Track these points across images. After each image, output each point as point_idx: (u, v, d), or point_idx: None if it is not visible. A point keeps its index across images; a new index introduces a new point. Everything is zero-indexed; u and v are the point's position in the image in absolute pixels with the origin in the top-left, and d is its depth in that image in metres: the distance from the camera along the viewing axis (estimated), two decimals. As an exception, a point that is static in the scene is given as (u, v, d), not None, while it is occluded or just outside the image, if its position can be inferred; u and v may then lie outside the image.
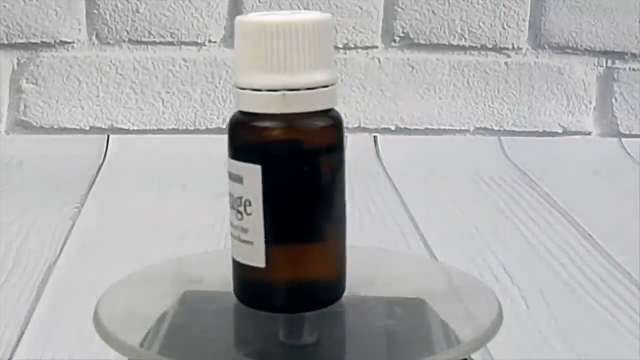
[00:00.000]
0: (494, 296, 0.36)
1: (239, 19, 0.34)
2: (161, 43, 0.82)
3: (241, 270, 0.34)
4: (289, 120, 0.33)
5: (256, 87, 0.33)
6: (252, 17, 0.33)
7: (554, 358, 0.46)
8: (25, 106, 0.82)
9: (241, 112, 0.33)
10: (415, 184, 0.74)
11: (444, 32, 0.84)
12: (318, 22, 0.33)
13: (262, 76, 0.33)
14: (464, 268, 0.44)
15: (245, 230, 0.34)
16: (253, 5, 0.82)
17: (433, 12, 0.84)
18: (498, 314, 0.35)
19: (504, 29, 0.85)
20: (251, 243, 0.34)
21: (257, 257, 0.34)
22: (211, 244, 0.59)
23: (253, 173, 0.33)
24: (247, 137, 0.33)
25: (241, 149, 0.33)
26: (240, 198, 0.33)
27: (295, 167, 0.33)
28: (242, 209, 0.33)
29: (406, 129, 0.86)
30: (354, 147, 0.79)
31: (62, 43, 0.81)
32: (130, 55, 0.82)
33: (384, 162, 0.80)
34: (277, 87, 0.33)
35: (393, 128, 0.85)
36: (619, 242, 0.62)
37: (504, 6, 0.84)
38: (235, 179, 0.33)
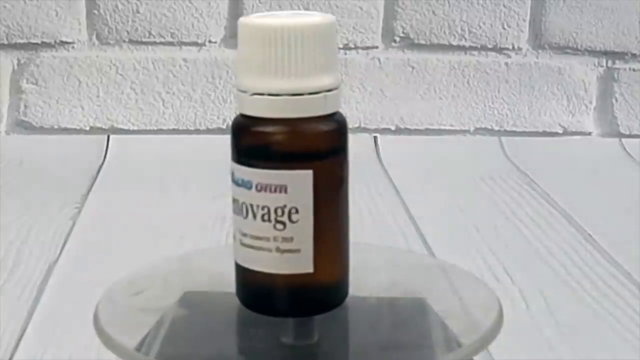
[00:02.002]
0: (495, 296, 0.36)
1: (242, 20, 0.33)
2: (161, 43, 0.82)
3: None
4: (330, 123, 0.33)
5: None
6: (255, 20, 0.33)
7: (554, 358, 0.46)
8: (25, 106, 0.82)
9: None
10: (415, 184, 0.74)
11: (444, 32, 0.84)
12: (322, 25, 0.33)
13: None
14: (464, 268, 0.44)
15: (288, 239, 0.33)
16: (253, 5, 0.82)
17: (433, 12, 0.84)
18: (498, 315, 0.35)
19: (504, 29, 0.85)
20: (297, 251, 0.33)
21: (304, 264, 0.33)
22: (211, 244, 0.59)
23: (302, 180, 0.33)
24: (296, 144, 0.32)
25: (287, 157, 0.32)
26: (283, 207, 0.32)
27: (335, 171, 0.33)
28: (284, 217, 0.32)
29: (406, 129, 0.86)
30: (354, 147, 0.79)
31: (62, 43, 0.81)
32: (130, 55, 0.82)
33: (384, 162, 0.80)
34: (318, 89, 0.32)
35: (393, 128, 0.85)
36: (619, 242, 0.62)
37: (504, 6, 0.84)
38: (274, 189, 0.32)
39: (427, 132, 0.86)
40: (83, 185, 0.71)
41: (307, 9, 0.82)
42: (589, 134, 0.88)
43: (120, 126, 0.83)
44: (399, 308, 0.38)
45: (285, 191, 0.32)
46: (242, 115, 0.33)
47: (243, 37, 0.33)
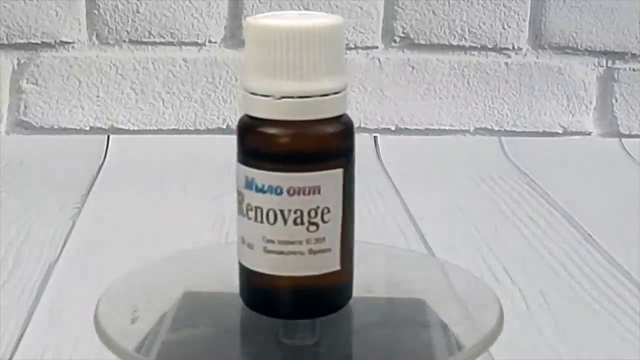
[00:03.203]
0: (495, 297, 0.36)
1: (249, 21, 0.32)
2: (161, 43, 0.82)
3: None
4: (341, 124, 0.33)
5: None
6: (262, 20, 0.32)
7: (554, 358, 0.46)
8: (25, 106, 0.82)
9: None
10: (415, 184, 0.74)
11: (444, 32, 0.84)
12: (330, 27, 0.32)
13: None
14: (464, 268, 0.44)
15: (320, 240, 0.33)
16: (253, 5, 0.82)
17: (433, 12, 0.84)
18: (499, 317, 0.35)
19: (504, 29, 0.85)
20: (328, 250, 0.33)
21: (333, 263, 0.33)
22: (211, 243, 0.59)
23: (333, 179, 0.32)
24: (329, 144, 0.32)
25: (316, 158, 0.32)
26: (316, 208, 0.32)
27: (352, 170, 0.33)
28: (317, 219, 0.32)
29: (406, 129, 0.86)
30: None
31: (62, 43, 0.81)
32: (130, 55, 0.82)
33: (384, 162, 0.80)
34: (337, 89, 0.32)
35: (393, 128, 0.85)
36: (619, 242, 0.61)
37: (504, 6, 0.84)
38: (308, 191, 0.32)
39: (427, 132, 0.86)
40: (83, 185, 0.71)
41: (307, 8, 0.82)
42: (589, 134, 0.88)
43: (120, 126, 0.83)
44: (399, 308, 0.38)
45: (319, 192, 0.32)
46: (252, 118, 0.33)
47: (250, 37, 0.32)
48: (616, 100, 0.87)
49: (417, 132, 0.86)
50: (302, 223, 0.32)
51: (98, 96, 0.82)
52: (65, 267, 0.55)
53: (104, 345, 0.33)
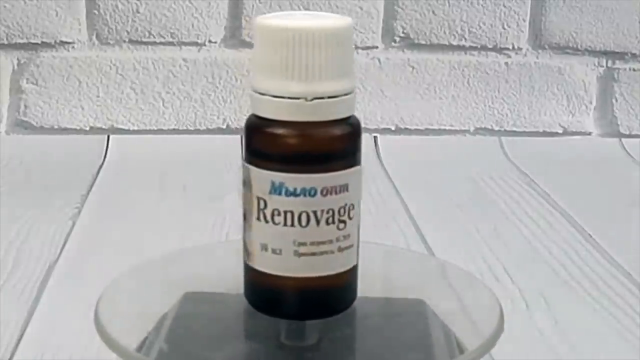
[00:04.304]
0: (495, 298, 0.36)
1: (258, 20, 0.32)
2: (161, 43, 0.82)
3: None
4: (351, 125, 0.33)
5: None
6: (273, 21, 0.32)
7: (554, 358, 0.46)
8: (25, 106, 0.82)
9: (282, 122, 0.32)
10: (415, 184, 0.74)
11: (444, 32, 0.84)
12: (341, 28, 0.32)
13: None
14: (464, 268, 0.44)
15: (347, 237, 0.33)
16: (253, 5, 0.82)
17: (433, 12, 0.84)
18: (499, 319, 0.35)
19: (504, 29, 0.85)
20: (351, 246, 0.33)
21: (353, 258, 0.34)
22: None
23: (357, 176, 0.33)
24: (354, 143, 0.33)
25: (344, 157, 0.32)
26: (344, 206, 0.32)
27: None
28: (345, 216, 0.32)
29: (406, 129, 0.86)
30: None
31: (62, 43, 0.81)
32: (130, 55, 0.82)
33: (384, 162, 0.80)
34: (347, 91, 0.32)
35: (393, 128, 0.85)
36: (619, 242, 0.62)
37: (504, 6, 0.84)
38: (339, 190, 0.32)
39: (427, 132, 0.86)
40: (83, 185, 0.71)
41: (306, 8, 0.82)
42: (589, 134, 0.88)
43: (120, 126, 0.83)
44: (399, 308, 0.38)
45: (347, 190, 0.32)
46: (280, 122, 0.33)
47: (261, 38, 0.32)
48: (616, 100, 0.87)
49: (417, 132, 0.86)
50: (333, 222, 0.32)
51: (98, 96, 0.82)
52: (65, 267, 0.55)
53: (105, 344, 0.33)
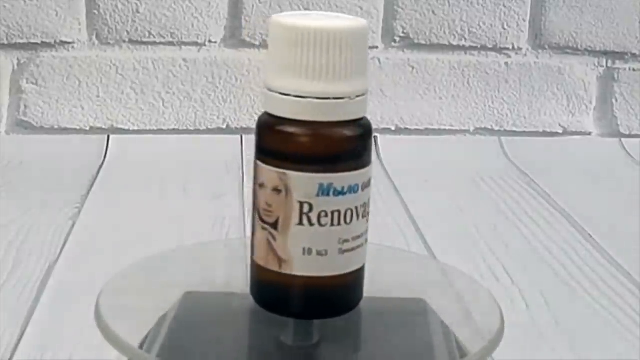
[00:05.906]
0: (494, 300, 0.36)
1: (275, 19, 0.32)
2: (161, 43, 0.82)
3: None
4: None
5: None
6: (289, 20, 0.32)
7: (554, 358, 0.46)
8: (25, 106, 0.82)
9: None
10: (415, 184, 0.74)
11: (444, 32, 0.84)
12: (357, 30, 0.32)
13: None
14: (464, 268, 0.44)
15: (368, 229, 0.34)
16: (253, 5, 0.82)
17: (433, 12, 0.84)
18: (500, 322, 0.35)
19: (504, 29, 0.85)
20: (366, 239, 0.34)
21: (365, 254, 0.34)
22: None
23: (371, 172, 0.33)
24: (363, 143, 0.33)
25: (359, 155, 0.33)
26: (368, 200, 0.33)
27: None
28: (369, 208, 0.33)
29: (406, 129, 0.86)
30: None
31: (62, 43, 0.81)
32: (130, 55, 0.82)
33: (384, 162, 0.80)
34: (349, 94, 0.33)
35: (393, 128, 0.85)
36: (619, 242, 0.62)
37: (504, 6, 0.84)
38: (368, 183, 0.32)
39: (427, 132, 0.86)
40: (83, 185, 0.71)
41: (306, 8, 0.82)
42: (589, 134, 0.88)
43: (120, 126, 0.83)
44: (399, 308, 0.38)
45: (370, 184, 0.33)
46: (319, 123, 0.33)
47: (278, 37, 0.32)
48: (616, 100, 0.87)
49: (417, 132, 0.86)
50: (364, 215, 0.33)
51: (98, 96, 0.82)
52: (65, 267, 0.55)
53: (108, 341, 0.33)
